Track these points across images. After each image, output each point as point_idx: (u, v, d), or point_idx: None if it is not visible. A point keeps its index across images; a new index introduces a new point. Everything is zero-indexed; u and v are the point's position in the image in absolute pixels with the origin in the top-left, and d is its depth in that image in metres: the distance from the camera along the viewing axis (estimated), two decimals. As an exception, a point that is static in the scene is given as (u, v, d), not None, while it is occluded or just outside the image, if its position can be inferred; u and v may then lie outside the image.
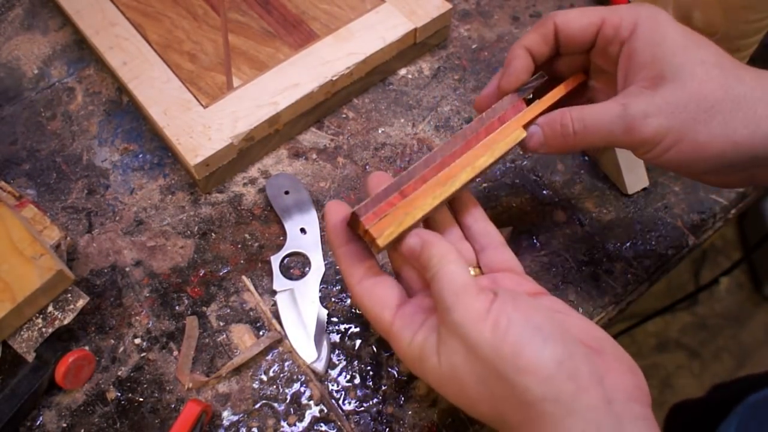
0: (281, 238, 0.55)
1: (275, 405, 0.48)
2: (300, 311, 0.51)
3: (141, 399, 0.48)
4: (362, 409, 0.47)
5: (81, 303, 0.48)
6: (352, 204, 0.56)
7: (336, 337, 0.50)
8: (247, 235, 0.55)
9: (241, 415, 0.47)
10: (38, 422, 0.47)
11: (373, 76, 0.62)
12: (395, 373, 0.49)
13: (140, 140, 0.60)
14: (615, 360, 0.35)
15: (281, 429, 0.47)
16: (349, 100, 0.62)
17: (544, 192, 0.57)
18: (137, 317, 0.51)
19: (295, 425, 0.47)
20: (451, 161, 0.43)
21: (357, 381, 0.48)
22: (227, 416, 0.47)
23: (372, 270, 0.40)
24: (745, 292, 1.45)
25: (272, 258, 0.53)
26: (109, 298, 0.52)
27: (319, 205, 0.56)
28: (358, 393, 0.48)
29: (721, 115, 0.37)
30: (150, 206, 0.57)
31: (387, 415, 0.47)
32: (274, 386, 0.48)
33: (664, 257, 0.54)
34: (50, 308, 0.47)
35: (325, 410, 0.47)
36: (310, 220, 0.54)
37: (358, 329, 0.51)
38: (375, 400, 0.48)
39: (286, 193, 0.56)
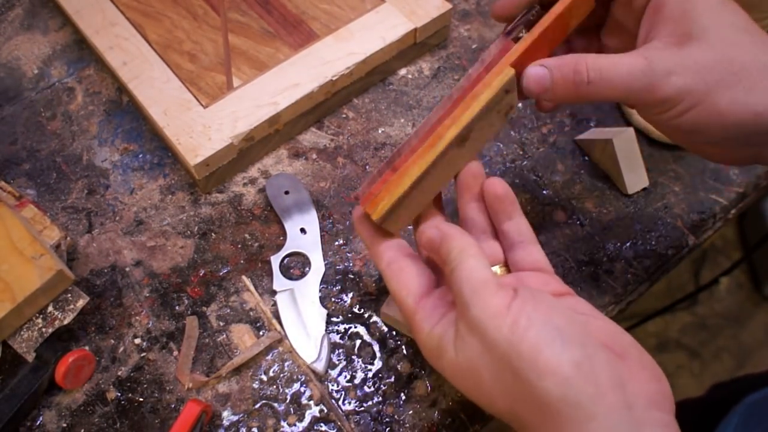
0: (281, 238, 0.55)
1: (275, 405, 0.48)
2: (300, 311, 0.51)
3: (141, 399, 0.48)
4: (362, 409, 0.47)
5: (81, 303, 0.48)
6: (351, 202, 0.56)
7: (336, 337, 0.50)
8: (247, 235, 0.55)
9: (241, 415, 0.47)
10: (38, 422, 0.47)
11: (373, 76, 0.62)
12: (395, 373, 0.49)
13: (140, 140, 0.60)
14: (639, 365, 0.34)
15: (281, 429, 0.47)
16: (349, 100, 0.62)
17: (544, 192, 0.57)
18: (137, 317, 0.51)
19: (295, 425, 0.47)
20: (438, 126, 0.40)
21: (357, 381, 0.48)
22: (227, 416, 0.47)
23: (401, 251, 0.39)
24: (745, 292, 1.45)
25: (272, 258, 0.53)
26: (109, 298, 0.52)
27: (319, 205, 0.56)
28: (358, 393, 0.48)
29: (746, 81, 0.35)
30: (150, 206, 0.57)
31: (387, 415, 0.47)
32: (274, 386, 0.48)
33: (664, 257, 0.54)
34: (50, 308, 0.47)
35: (325, 410, 0.47)
36: (310, 220, 0.54)
37: (358, 329, 0.51)
38: (375, 400, 0.48)
39: (286, 193, 0.56)
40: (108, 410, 0.48)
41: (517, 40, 0.41)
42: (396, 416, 0.47)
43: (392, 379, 0.49)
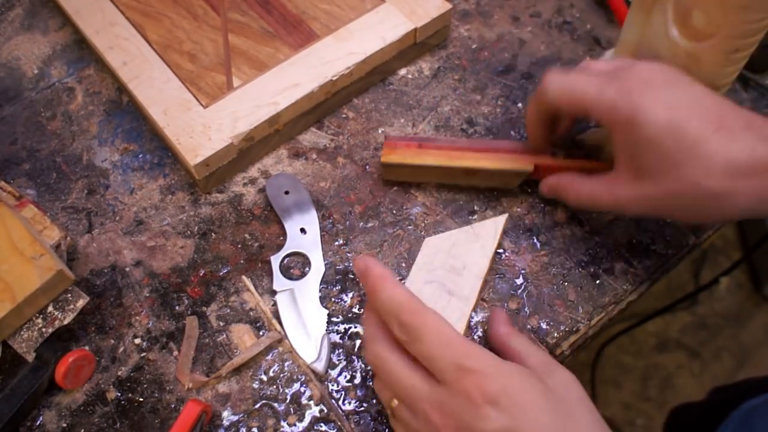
0: (281, 238, 0.55)
1: (275, 405, 0.48)
2: (300, 311, 0.51)
3: (141, 399, 0.48)
4: (362, 409, 0.47)
5: (81, 303, 0.48)
6: (351, 202, 0.56)
7: (336, 337, 0.50)
8: (247, 235, 0.55)
9: (241, 415, 0.47)
10: (38, 422, 0.47)
11: (373, 76, 0.62)
12: (395, 373, 0.49)
13: (140, 140, 0.60)
14: None
15: (281, 429, 0.47)
16: (349, 100, 0.62)
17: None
18: (137, 317, 0.51)
19: (295, 425, 0.47)
20: (467, 148, 0.54)
21: (357, 381, 0.48)
22: (227, 416, 0.47)
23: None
24: (745, 292, 1.45)
25: (272, 258, 0.53)
26: (109, 298, 0.52)
27: (319, 205, 0.56)
28: (358, 393, 0.48)
29: (694, 206, 0.42)
30: (150, 206, 0.57)
31: (387, 415, 0.47)
32: (274, 386, 0.48)
33: (664, 257, 0.54)
34: (50, 308, 0.47)
35: (325, 410, 0.47)
36: (310, 220, 0.54)
37: (358, 329, 0.51)
38: (375, 400, 0.48)
39: (286, 193, 0.56)
40: (108, 410, 0.48)
41: (553, 153, 0.54)
42: (396, 416, 0.47)
43: (392, 379, 0.49)
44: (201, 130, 0.55)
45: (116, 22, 0.62)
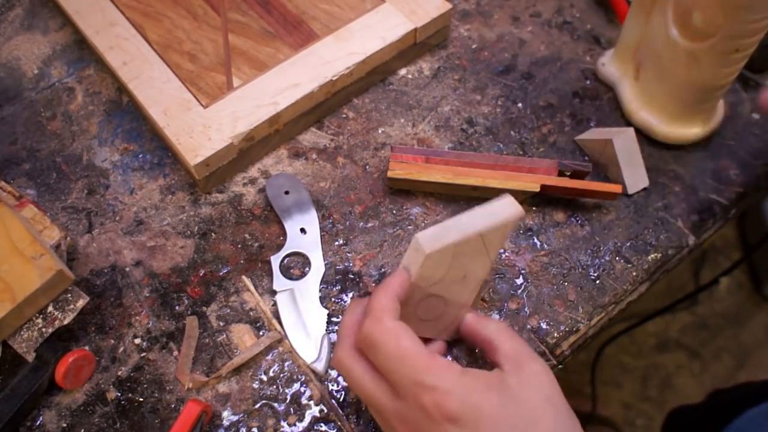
0: (281, 238, 0.55)
1: (275, 405, 0.48)
2: (300, 311, 0.51)
3: (141, 399, 0.48)
4: (362, 408, 0.47)
5: (81, 303, 0.48)
6: (351, 202, 0.56)
7: (336, 337, 0.50)
8: (247, 235, 0.55)
9: (241, 415, 0.47)
10: (38, 422, 0.47)
11: (373, 76, 0.62)
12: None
13: (140, 140, 0.60)
14: None
15: (281, 429, 0.47)
16: (349, 100, 0.62)
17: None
18: (137, 317, 0.51)
19: (295, 425, 0.47)
20: (474, 166, 0.54)
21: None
22: (227, 416, 0.47)
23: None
24: (745, 292, 1.44)
25: (272, 258, 0.53)
26: (109, 298, 0.52)
27: (319, 205, 0.56)
28: (358, 393, 0.48)
29: None
30: (150, 206, 0.57)
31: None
32: (274, 386, 0.48)
33: (664, 257, 0.54)
34: (50, 308, 0.47)
35: (325, 410, 0.47)
36: (310, 220, 0.54)
37: (358, 329, 0.51)
38: (375, 400, 0.48)
39: (286, 193, 0.56)
40: (108, 410, 0.48)
41: (561, 173, 0.54)
42: (396, 416, 0.47)
43: (392, 379, 0.49)
44: (201, 130, 0.55)
45: (116, 22, 0.62)
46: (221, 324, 0.51)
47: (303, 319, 0.50)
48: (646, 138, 0.59)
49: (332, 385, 0.48)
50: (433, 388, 0.35)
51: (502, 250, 0.54)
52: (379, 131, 0.60)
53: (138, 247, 0.54)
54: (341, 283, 0.53)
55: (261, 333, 0.50)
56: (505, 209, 0.41)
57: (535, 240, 0.54)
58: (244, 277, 0.53)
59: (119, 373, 0.49)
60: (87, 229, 0.55)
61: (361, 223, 0.55)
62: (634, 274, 0.53)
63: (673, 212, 0.56)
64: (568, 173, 0.54)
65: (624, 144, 0.55)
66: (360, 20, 0.61)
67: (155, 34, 0.62)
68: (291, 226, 0.54)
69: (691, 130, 0.57)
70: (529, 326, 0.50)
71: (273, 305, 0.51)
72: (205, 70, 0.59)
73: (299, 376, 0.49)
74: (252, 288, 0.52)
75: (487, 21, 0.68)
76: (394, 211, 0.56)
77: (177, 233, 0.55)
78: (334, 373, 0.49)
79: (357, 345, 0.39)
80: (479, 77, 0.64)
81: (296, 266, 0.53)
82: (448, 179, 0.54)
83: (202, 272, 0.53)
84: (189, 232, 0.55)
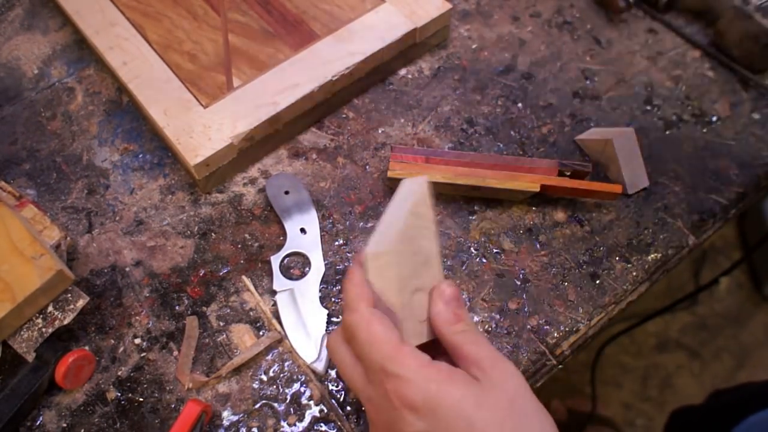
0: (281, 238, 0.55)
1: (275, 405, 0.48)
2: (300, 311, 0.51)
3: (141, 399, 0.48)
4: (362, 409, 0.47)
5: (81, 303, 0.48)
6: (351, 202, 0.56)
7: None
8: (247, 235, 0.55)
9: (241, 415, 0.47)
10: (38, 422, 0.47)
11: (373, 76, 0.62)
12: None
13: (140, 140, 0.60)
14: None
15: (281, 429, 0.47)
16: (349, 100, 0.62)
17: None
18: (137, 317, 0.51)
19: (295, 425, 0.47)
20: (474, 166, 0.54)
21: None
22: (227, 416, 0.47)
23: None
24: (745, 292, 1.44)
25: (272, 258, 0.53)
26: (109, 298, 0.52)
27: (319, 205, 0.56)
28: (358, 393, 0.48)
29: None
30: (150, 206, 0.57)
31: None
32: (274, 386, 0.48)
33: (664, 257, 0.54)
34: (50, 308, 0.47)
35: (325, 410, 0.47)
36: (310, 220, 0.54)
37: (358, 329, 0.51)
38: (375, 400, 0.48)
39: (286, 193, 0.56)
40: (108, 410, 0.48)
41: (561, 173, 0.54)
42: (396, 416, 0.47)
43: (392, 379, 0.48)
44: (201, 130, 0.55)
45: (116, 22, 0.62)
46: (221, 324, 0.51)
47: (303, 319, 0.50)
48: (644, 137, 0.58)
49: (332, 385, 0.48)
50: (395, 376, 0.35)
51: (501, 250, 0.54)
52: (379, 131, 0.60)
53: (138, 247, 0.54)
54: (341, 283, 0.53)
55: (261, 333, 0.50)
56: (413, 185, 0.42)
57: (535, 240, 0.54)
58: (244, 277, 0.53)
59: (119, 373, 0.49)
60: (87, 229, 0.55)
61: (361, 223, 0.55)
62: (634, 274, 0.53)
63: (673, 212, 0.56)
64: (568, 173, 0.54)
65: (624, 144, 0.55)
66: (360, 20, 0.61)
67: (155, 34, 0.61)
68: (291, 226, 0.54)
69: None
70: (529, 326, 0.50)
71: (273, 305, 0.51)
72: (205, 70, 0.59)
73: (299, 376, 0.49)
74: (252, 288, 0.52)
75: (487, 21, 0.68)
76: (394, 211, 0.56)
77: (177, 233, 0.55)
78: (334, 373, 0.49)
79: (342, 333, 0.40)
80: (479, 77, 0.64)
81: (296, 266, 0.53)
82: (448, 179, 0.54)
83: (202, 272, 0.53)
84: (189, 232, 0.55)
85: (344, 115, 0.61)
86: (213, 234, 0.55)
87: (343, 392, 0.48)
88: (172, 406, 0.48)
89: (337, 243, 0.54)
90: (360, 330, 0.37)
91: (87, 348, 0.50)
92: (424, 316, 0.42)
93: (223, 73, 0.59)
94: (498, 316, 0.51)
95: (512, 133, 0.60)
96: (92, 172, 0.58)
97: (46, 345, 0.47)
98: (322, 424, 0.47)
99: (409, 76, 0.64)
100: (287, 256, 0.53)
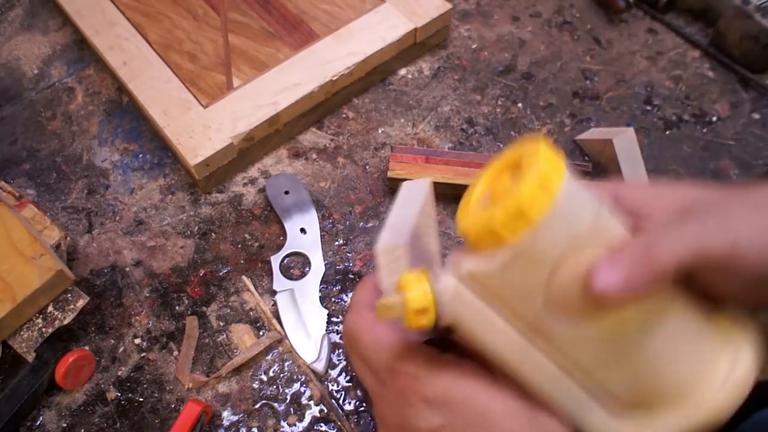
0: (281, 238, 0.55)
1: (275, 405, 0.48)
2: (300, 311, 0.51)
3: (141, 399, 0.48)
4: (362, 409, 0.47)
5: (81, 303, 0.48)
6: (351, 202, 0.56)
7: (336, 337, 0.50)
8: (247, 235, 0.55)
9: (241, 415, 0.47)
10: (38, 422, 0.47)
11: (373, 76, 0.62)
12: (395, 373, 0.49)
13: (140, 140, 0.60)
14: None
15: (281, 429, 0.47)
16: (349, 100, 0.62)
17: (544, 192, 0.57)
18: (137, 317, 0.51)
19: (295, 425, 0.47)
20: (474, 166, 0.54)
21: (357, 381, 0.48)
22: (227, 416, 0.47)
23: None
24: (745, 292, 1.45)
25: (272, 258, 0.53)
26: (109, 298, 0.52)
27: (319, 205, 0.56)
28: (358, 393, 0.48)
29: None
30: (150, 206, 0.57)
31: (387, 415, 0.47)
32: (274, 386, 0.48)
33: (664, 257, 0.54)
34: (50, 308, 0.47)
35: (325, 410, 0.47)
36: (310, 220, 0.54)
37: (358, 329, 0.51)
38: (375, 400, 0.48)
39: (286, 193, 0.56)
40: (108, 410, 0.48)
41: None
42: (396, 416, 0.47)
43: (392, 379, 0.49)
44: (201, 130, 0.55)
45: (116, 22, 0.62)
46: (221, 324, 0.51)
47: (303, 319, 0.50)
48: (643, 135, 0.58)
49: (332, 385, 0.48)
50: (405, 373, 0.35)
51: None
52: (379, 131, 0.60)
53: (138, 247, 0.54)
54: (341, 283, 0.53)
55: (261, 333, 0.50)
56: (415, 186, 0.41)
57: (535, 240, 0.54)
58: (244, 277, 0.53)
59: (119, 373, 0.49)
60: (87, 229, 0.55)
61: (361, 223, 0.55)
62: (634, 274, 0.53)
63: (673, 212, 0.56)
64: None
65: (624, 144, 0.55)
66: (360, 20, 0.61)
67: (155, 34, 0.61)
68: (291, 226, 0.54)
69: None
70: (529, 326, 0.50)
71: (273, 305, 0.51)
72: (205, 70, 0.59)
73: (299, 376, 0.49)
74: (252, 288, 0.52)
75: (487, 21, 0.68)
76: (394, 211, 0.56)
77: (177, 233, 0.55)
78: (334, 373, 0.49)
79: (344, 333, 0.40)
80: (479, 77, 0.64)
81: (296, 266, 0.53)
82: (448, 179, 0.54)
83: (202, 272, 0.53)
84: (189, 232, 0.55)
85: (344, 115, 0.61)
86: (213, 234, 0.55)
87: (343, 392, 0.48)
88: (172, 406, 0.48)
89: (337, 243, 0.54)
90: (363, 334, 0.37)
91: (87, 348, 0.50)
92: None
93: (223, 73, 0.59)
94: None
95: (512, 133, 0.60)
96: (92, 172, 0.58)
97: (46, 345, 0.47)
98: (322, 424, 0.47)
99: (409, 76, 0.64)
100: (287, 256, 0.53)
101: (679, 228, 0.31)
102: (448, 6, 0.62)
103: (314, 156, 0.59)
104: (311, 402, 0.48)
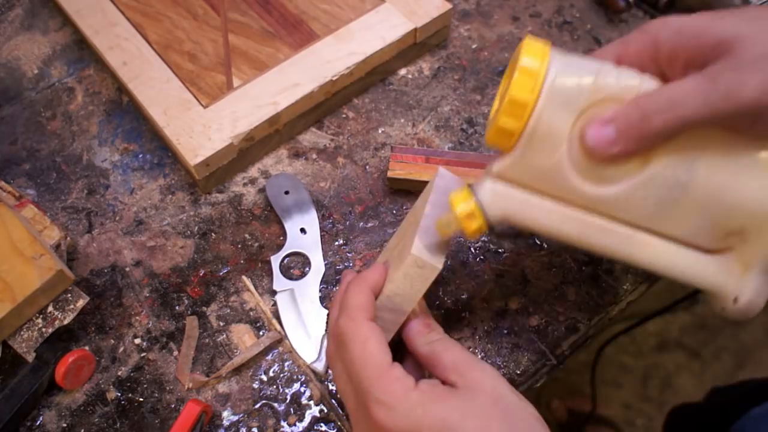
0: (281, 238, 0.55)
1: (275, 405, 0.48)
2: (300, 311, 0.51)
3: (141, 399, 0.48)
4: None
5: (81, 303, 0.48)
6: (351, 202, 0.56)
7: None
8: (247, 235, 0.55)
9: (241, 415, 0.47)
10: (38, 422, 0.47)
11: (373, 76, 0.62)
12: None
13: (140, 140, 0.60)
14: None
15: (281, 429, 0.47)
16: (349, 100, 0.62)
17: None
18: (137, 317, 0.51)
19: (295, 425, 0.47)
20: (474, 166, 0.54)
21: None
22: (227, 416, 0.47)
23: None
24: (745, 292, 1.44)
25: (272, 258, 0.53)
26: (109, 298, 0.52)
27: (319, 205, 0.56)
28: (358, 393, 0.48)
29: None
30: (150, 206, 0.57)
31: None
32: (274, 386, 0.48)
33: (664, 257, 0.54)
34: (50, 308, 0.47)
35: (325, 410, 0.47)
36: (310, 220, 0.54)
37: (358, 329, 0.51)
38: (375, 400, 0.48)
39: (286, 193, 0.56)
40: (108, 410, 0.48)
41: None
42: (396, 416, 0.47)
43: (392, 379, 0.49)
44: (201, 130, 0.55)
45: (116, 22, 0.62)
46: (221, 324, 0.51)
47: (303, 319, 0.50)
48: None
49: (332, 385, 0.48)
50: (379, 402, 0.35)
51: (501, 250, 0.54)
52: (379, 131, 0.60)
53: (138, 247, 0.54)
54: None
55: (261, 333, 0.50)
56: (446, 178, 0.42)
57: (535, 240, 0.54)
58: (244, 277, 0.53)
59: (119, 373, 0.49)
60: (87, 229, 0.55)
61: (361, 223, 0.55)
62: (634, 274, 0.53)
63: (673, 212, 0.56)
64: None
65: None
66: (360, 20, 0.61)
67: (155, 34, 0.62)
68: (291, 226, 0.54)
69: None
70: (529, 326, 0.50)
71: (273, 305, 0.51)
72: (205, 70, 0.59)
73: (299, 376, 0.49)
74: (252, 288, 0.52)
75: (487, 21, 0.68)
76: (394, 211, 0.56)
77: (177, 233, 0.55)
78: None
79: (333, 336, 0.40)
80: (479, 77, 0.64)
81: (296, 266, 0.53)
82: None
83: (202, 272, 0.53)
84: (189, 232, 0.55)
85: (344, 115, 0.62)
86: (213, 234, 0.55)
87: (343, 392, 0.48)
88: (172, 406, 0.48)
89: (337, 243, 0.54)
90: (355, 345, 0.37)
91: (87, 348, 0.50)
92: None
93: (223, 73, 0.59)
94: (498, 316, 0.51)
95: (512, 133, 0.60)
96: (92, 172, 0.58)
97: (46, 345, 0.47)
98: (322, 424, 0.47)
99: (409, 76, 0.64)
100: (287, 256, 0.53)
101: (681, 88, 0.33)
102: (448, 6, 0.62)
103: (314, 156, 0.59)
104: (311, 402, 0.48)
